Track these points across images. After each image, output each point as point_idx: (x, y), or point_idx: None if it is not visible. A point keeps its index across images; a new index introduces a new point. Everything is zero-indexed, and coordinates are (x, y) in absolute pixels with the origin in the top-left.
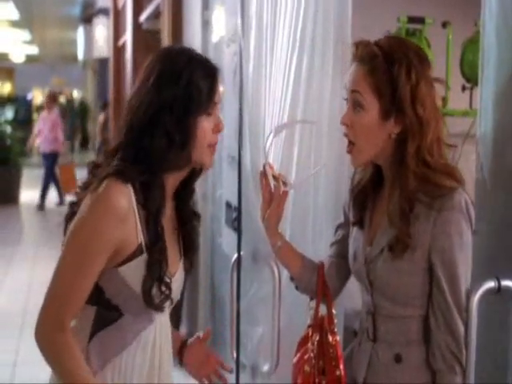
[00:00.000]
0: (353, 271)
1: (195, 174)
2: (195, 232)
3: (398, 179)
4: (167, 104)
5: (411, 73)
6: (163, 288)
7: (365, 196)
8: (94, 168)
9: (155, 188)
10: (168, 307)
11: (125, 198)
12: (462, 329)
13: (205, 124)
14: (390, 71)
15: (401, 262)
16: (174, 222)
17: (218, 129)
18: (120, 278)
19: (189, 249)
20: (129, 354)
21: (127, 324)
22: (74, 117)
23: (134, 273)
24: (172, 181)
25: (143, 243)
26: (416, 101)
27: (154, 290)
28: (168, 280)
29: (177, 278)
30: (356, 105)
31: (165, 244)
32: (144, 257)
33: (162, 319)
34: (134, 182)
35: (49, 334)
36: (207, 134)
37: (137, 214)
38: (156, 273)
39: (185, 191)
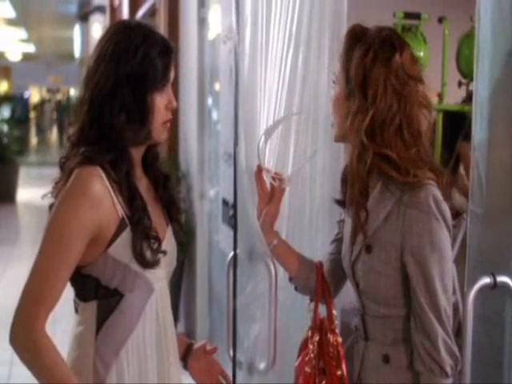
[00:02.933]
0: (344, 268)
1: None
2: (172, 191)
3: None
4: (123, 78)
5: (367, 55)
6: (152, 242)
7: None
8: (64, 163)
9: (123, 162)
10: (166, 270)
11: (96, 180)
12: (439, 331)
13: (159, 101)
14: (361, 58)
15: (376, 262)
16: (151, 191)
17: (170, 105)
18: (112, 258)
19: (172, 210)
20: (138, 334)
21: (130, 303)
22: (63, 114)
23: (123, 248)
24: (136, 153)
25: (125, 217)
26: (367, 83)
27: (145, 248)
28: (154, 233)
29: (167, 244)
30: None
31: (144, 201)
32: (128, 229)
33: (161, 286)
34: (101, 163)
35: (23, 331)
36: (161, 111)
37: (112, 192)
38: (141, 231)
39: (149, 157)
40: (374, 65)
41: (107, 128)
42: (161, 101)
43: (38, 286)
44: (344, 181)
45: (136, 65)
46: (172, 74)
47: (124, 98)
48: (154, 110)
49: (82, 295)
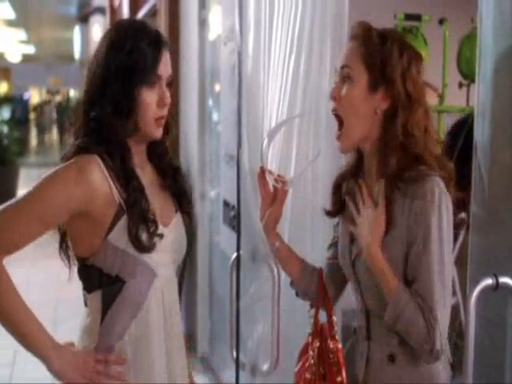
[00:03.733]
0: (343, 270)
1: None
2: (182, 183)
3: (381, 159)
4: (112, 72)
5: (403, 54)
6: (149, 225)
7: (342, 181)
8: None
9: (118, 149)
10: (173, 257)
11: (94, 167)
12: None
13: (148, 96)
14: (382, 47)
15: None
16: (157, 179)
17: (162, 103)
18: (111, 245)
19: (182, 201)
20: (142, 319)
21: (132, 289)
22: (63, 115)
23: (121, 234)
24: (135, 144)
25: (122, 203)
26: (406, 78)
27: (140, 231)
28: (151, 216)
29: (172, 229)
30: (345, 78)
31: (141, 184)
32: (126, 215)
33: (165, 271)
34: (99, 153)
35: None
36: (151, 107)
37: (110, 179)
38: (137, 213)
39: (158, 152)
40: (410, 65)
41: (98, 122)
42: (151, 96)
43: (3, 225)
44: (336, 189)
45: (124, 57)
46: (164, 70)
47: (112, 93)
48: (141, 105)
49: (88, 286)
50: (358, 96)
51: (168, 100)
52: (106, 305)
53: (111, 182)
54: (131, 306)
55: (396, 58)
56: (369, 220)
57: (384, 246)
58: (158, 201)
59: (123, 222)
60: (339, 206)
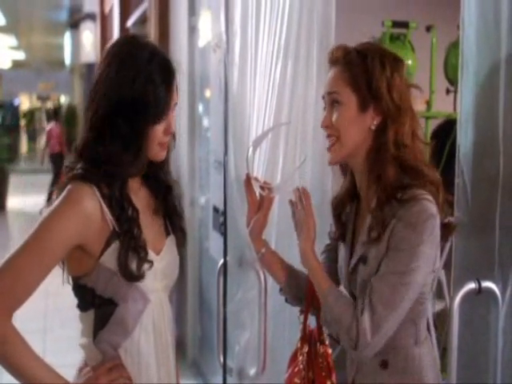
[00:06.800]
0: (340, 280)
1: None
2: (174, 201)
3: (375, 172)
4: (123, 106)
5: (385, 65)
6: (140, 253)
7: (342, 208)
8: (68, 172)
9: (117, 180)
10: (164, 282)
11: (87, 197)
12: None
13: (156, 130)
14: (364, 64)
15: (370, 273)
16: (151, 202)
17: (168, 131)
18: (103, 267)
19: (174, 220)
20: (133, 344)
21: (124, 312)
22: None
23: (113, 257)
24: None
25: (116, 228)
26: (392, 90)
27: (130, 259)
28: (142, 244)
29: (164, 255)
30: (334, 104)
31: (136, 211)
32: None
33: (158, 297)
34: (96, 183)
35: None
36: (158, 136)
37: (104, 206)
38: (128, 241)
39: (152, 166)
40: (393, 75)
41: (103, 156)
42: (159, 127)
43: (7, 283)
44: (336, 214)
45: (137, 90)
46: (174, 101)
47: (121, 129)
48: (149, 139)
49: (81, 305)
50: (350, 118)
51: (173, 129)
52: (98, 326)
53: (105, 209)
54: (123, 329)
55: (379, 70)
56: (300, 222)
57: (370, 260)
58: (150, 226)
59: (115, 245)
60: (342, 228)
